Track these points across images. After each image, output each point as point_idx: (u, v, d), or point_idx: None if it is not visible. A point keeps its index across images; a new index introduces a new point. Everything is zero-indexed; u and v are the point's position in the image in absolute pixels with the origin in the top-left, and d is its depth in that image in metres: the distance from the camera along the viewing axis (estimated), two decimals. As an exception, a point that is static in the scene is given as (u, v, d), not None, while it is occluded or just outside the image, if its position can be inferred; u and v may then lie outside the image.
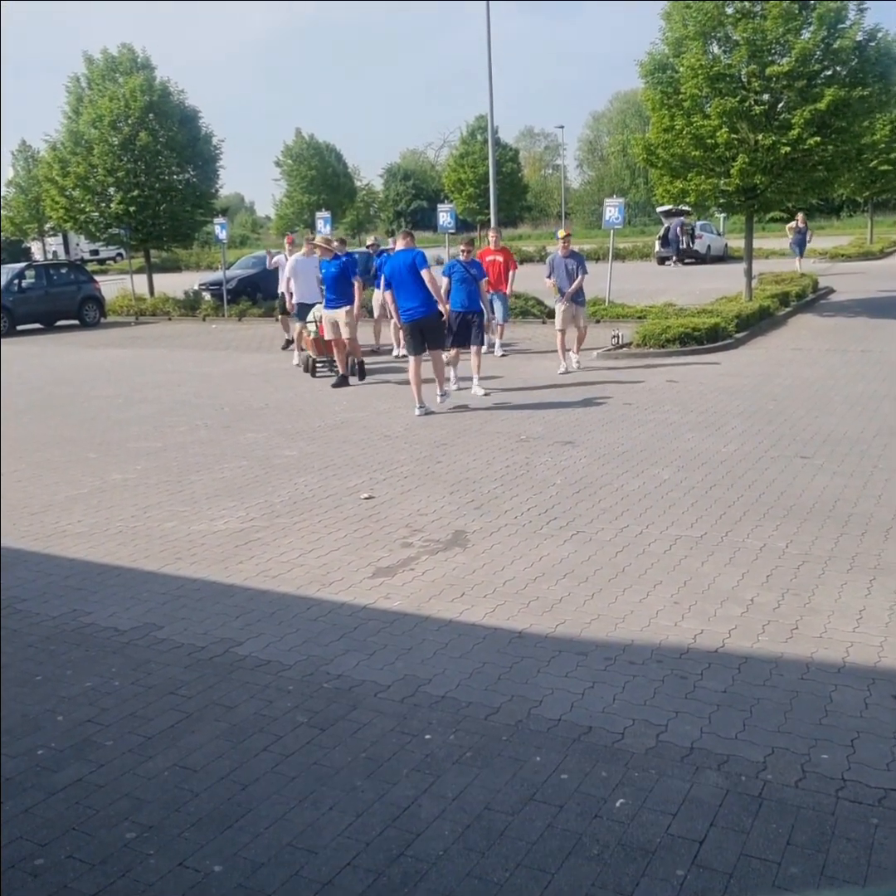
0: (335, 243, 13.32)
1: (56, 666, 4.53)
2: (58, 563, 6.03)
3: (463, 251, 11.57)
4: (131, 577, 5.73)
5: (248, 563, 5.85)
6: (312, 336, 13.40)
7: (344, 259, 12.49)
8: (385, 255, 14.65)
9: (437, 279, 10.43)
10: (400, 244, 10.65)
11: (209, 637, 4.77)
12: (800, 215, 27.74)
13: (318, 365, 13.76)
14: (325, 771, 3.50)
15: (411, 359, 10.49)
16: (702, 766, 3.41)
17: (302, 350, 14.25)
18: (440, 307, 10.31)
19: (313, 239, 14.59)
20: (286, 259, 15.41)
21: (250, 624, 4.92)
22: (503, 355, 14.52)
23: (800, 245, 27.66)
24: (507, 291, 14.61)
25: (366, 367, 13.34)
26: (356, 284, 12.45)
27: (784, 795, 3.22)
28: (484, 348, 11.96)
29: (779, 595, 4.96)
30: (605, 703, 3.90)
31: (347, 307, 12.29)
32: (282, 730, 3.81)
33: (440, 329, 10.56)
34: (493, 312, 13.75)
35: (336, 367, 12.88)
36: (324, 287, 12.84)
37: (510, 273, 14.48)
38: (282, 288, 15.23)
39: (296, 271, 14.03)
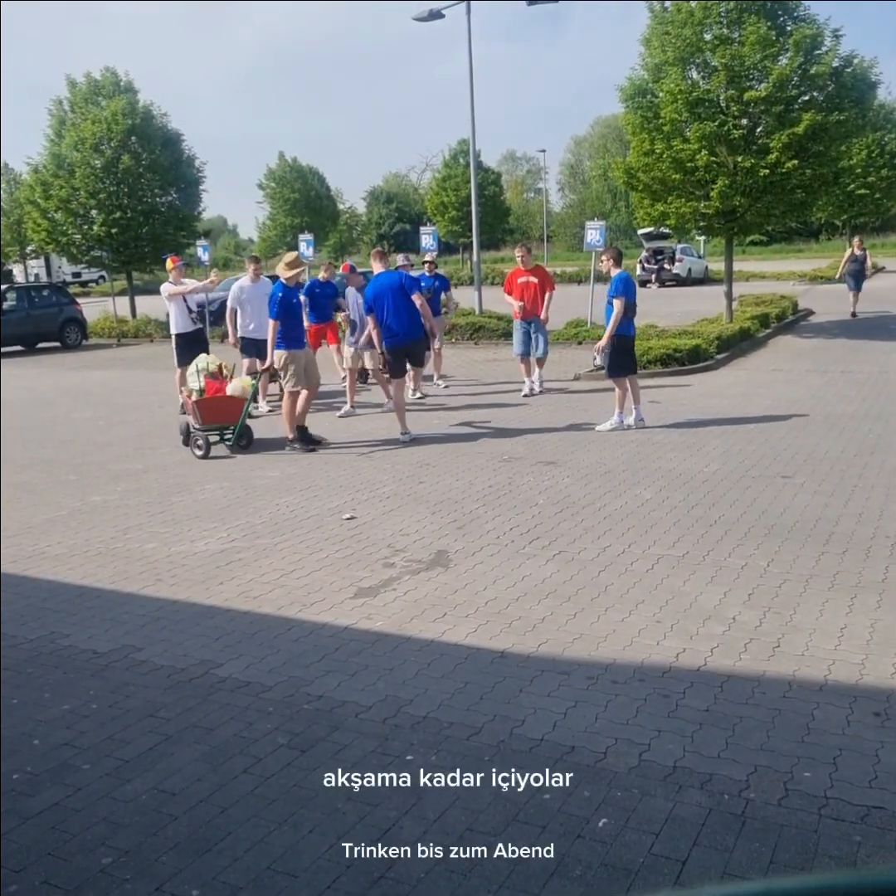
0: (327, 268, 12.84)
1: (33, 689, 4.47)
2: (35, 585, 5.97)
3: (427, 266, 11.99)
4: (110, 598, 5.67)
5: (229, 584, 5.81)
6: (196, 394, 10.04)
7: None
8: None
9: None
10: (378, 267, 10.19)
11: (189, 659, 4.72)
12: (856, 240, 22.41)
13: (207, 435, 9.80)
14: (306, 793, 3.46)
15: (396, 382, 10.39)
16: (684, 785, 3.40)
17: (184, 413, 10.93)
18: (428, 327, 10.32)
19: (328, 264, 13.20)
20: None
21: (230, 645, 4.87)
22: (541, 392, 12.66)
23: (857, 277, 21.46)
24: (544, 317, 12.41)
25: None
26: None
27: (767, 814, 3.21)
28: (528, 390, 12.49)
29: (761, 613, 4.96)
30: (588, 723, 3.88)
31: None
32: (262, 752, 3.77)
33: (422, 350, 10.59)
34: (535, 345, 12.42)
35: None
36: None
37: (547, 295, 12.37)
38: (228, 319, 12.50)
39: (243, 299, 12.24)
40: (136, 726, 4.04)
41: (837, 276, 21.85)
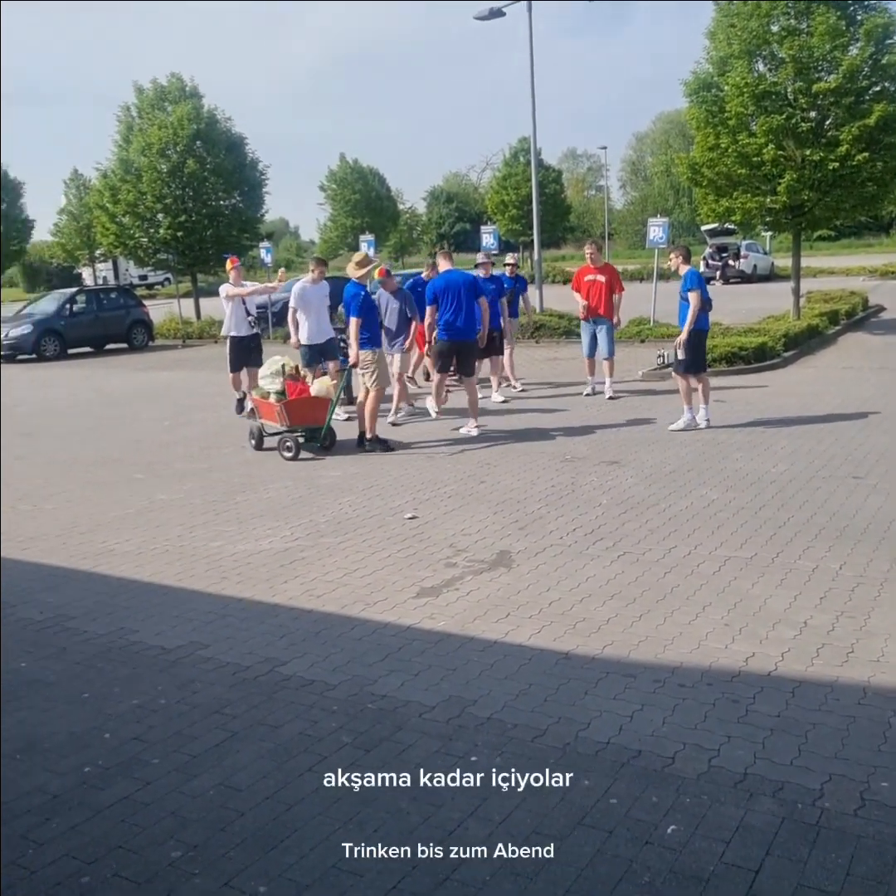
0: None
1: (103, 684, 4.55)
2: (106, 581, 6.09)
3: (482, 267, 12.00)
4: (177, 596, 5.76)
5: (293, 583, 5.85)
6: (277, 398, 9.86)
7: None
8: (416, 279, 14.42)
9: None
10: (445, 264, 10.47)
11: (254, 656, 4.76)
12: None
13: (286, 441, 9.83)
14: (371, 793, 3.46)
15: (438, 376, 10.74)
16: (756, 793, 3.32)
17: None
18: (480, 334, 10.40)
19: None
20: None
21: (295, 643, 4.91)
22: (611, 397, 12.06)
23: None
24: (615, 319, 12.13)
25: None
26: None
27: (843, 824, 3.12)
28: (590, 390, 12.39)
29: (833, 617, 4.83)
30: (655, 727, 3.82)
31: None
32: (326, 750, 3.79)
33: (474, 354, 10.59)
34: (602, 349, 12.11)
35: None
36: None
37: (615, 297, 11.99)
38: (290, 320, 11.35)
39: (306, 300, 11.13)
40: (202, 722, 4.09)
41: None
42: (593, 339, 12.14)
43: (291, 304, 11.19)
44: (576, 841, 3.11)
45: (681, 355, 9.94)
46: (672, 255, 10.39)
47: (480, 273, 11.74)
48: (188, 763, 3.75)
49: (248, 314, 12.01)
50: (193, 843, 3.21)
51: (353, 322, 9.64)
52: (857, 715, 3.83)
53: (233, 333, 12.05)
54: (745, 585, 5.36)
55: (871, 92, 16.28)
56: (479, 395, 10.74)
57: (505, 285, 13.02)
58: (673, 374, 10.52)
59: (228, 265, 12.35)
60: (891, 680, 4.11)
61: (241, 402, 12.31)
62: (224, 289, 12.08)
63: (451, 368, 10.74)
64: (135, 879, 3.04)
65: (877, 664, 4.27)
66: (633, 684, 4.21)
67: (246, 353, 12.05)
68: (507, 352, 12.90)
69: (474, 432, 10.26)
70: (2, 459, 9.97)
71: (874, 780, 3.35)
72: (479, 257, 12.98)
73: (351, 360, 9.96)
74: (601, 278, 11.95)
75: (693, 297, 9.78)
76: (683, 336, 9.89)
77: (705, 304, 9.96)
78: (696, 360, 10.02)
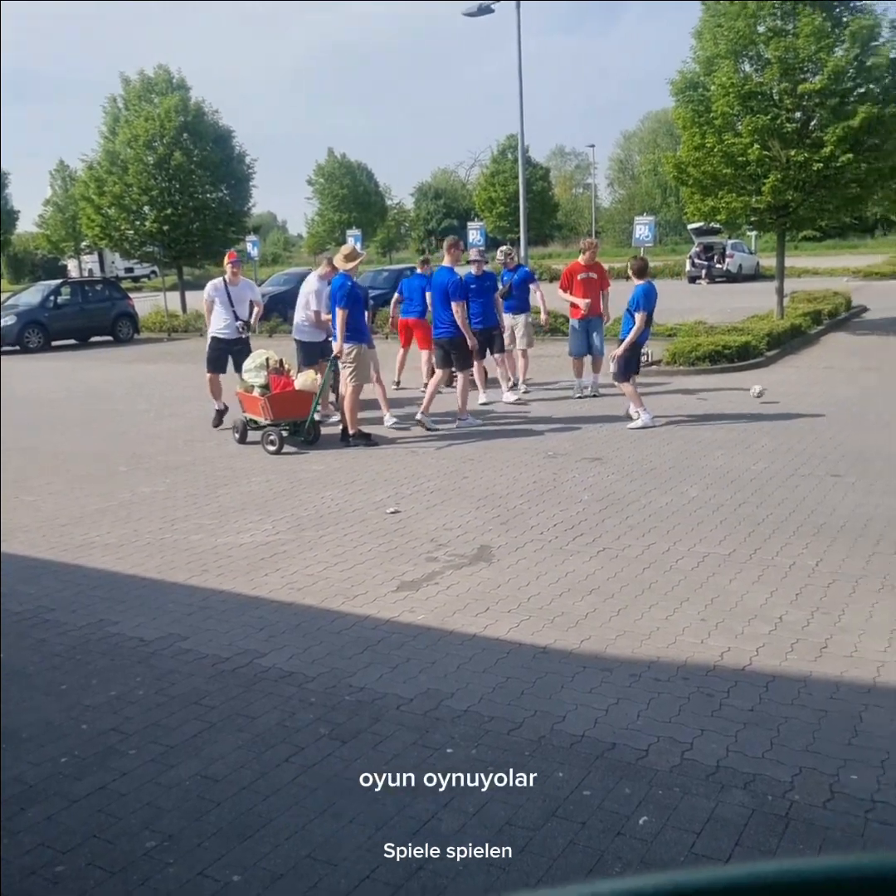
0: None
1: (81, 675, 4.55)
2: (85, 573, 6.08)
3: (474, 265, 11.60)
4: (157, 588, 5.76)
5: (274, 576, 5.86)
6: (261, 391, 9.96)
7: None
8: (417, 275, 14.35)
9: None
10: (447, 259, 10.46)
11: (233, 648, 4.78)
12: None
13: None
14: (346, 784, 3.48)
15: (440, 372, 10.62)
16: (727, 785, 3.36)
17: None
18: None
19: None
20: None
21: (274, 636, 4.92)
22: (595, 395, 12.03)
23: None
24: (607, 317, 12.09)
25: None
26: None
27: (811, 816, 3.16)
28: (580, 392, 12.08)
29: (808, 613, 4.89)
30: (630, 720, 3.86)
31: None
32: (304, 741, 3.81)
33: (460, 352, 10.44)
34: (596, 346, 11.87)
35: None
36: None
37: (605, 293, 11.95)
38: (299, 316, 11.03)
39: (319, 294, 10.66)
40: (180, 713, 4.10)
41: None
42: (587, 336, 11.90)
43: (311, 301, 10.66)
44: (549, 832, 3.14)
45: (613, 368, 10.06)
46: (628, 264, 10.46)
47: (473, 270, 11.60)
48: (165, 753, 3.76)
49: (238, 318, 11.00)
50: (169, 832, 3.23)
51: (340, 313, 9.63)
52: (829, 709, 3.87)
53: (217, 334, 11.08)
54: (723, 581, 5.41)
55: (855, 93, 16.37)
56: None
57: (503, 279, 12.44)
58: (616, 383, 10.61)
59: (227, 259, 11.35)
60: (863, 675, 4.16)
61: (221, 413, 11.17)
62: (210, 289, 11.09)
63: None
64: (109, 869, 3.05)
65: (850, 659, 4.32)
66: (609, 678, 4.25)
67: (229, 356, 11.05)
68: (517, 351, 12.50)
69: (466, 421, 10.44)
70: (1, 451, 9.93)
71: (843, 773, 3.40)
72: (472, 254, 12.38)
73: (335, 351, 9.94)
74: (594, 276, 11.85)
75: (639, 317, 9.87)
76: (621, 351, 10.00)
77: (648, 321, 10.10)
78: (632, 367, 10.23)
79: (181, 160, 25.72)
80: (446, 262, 10.48)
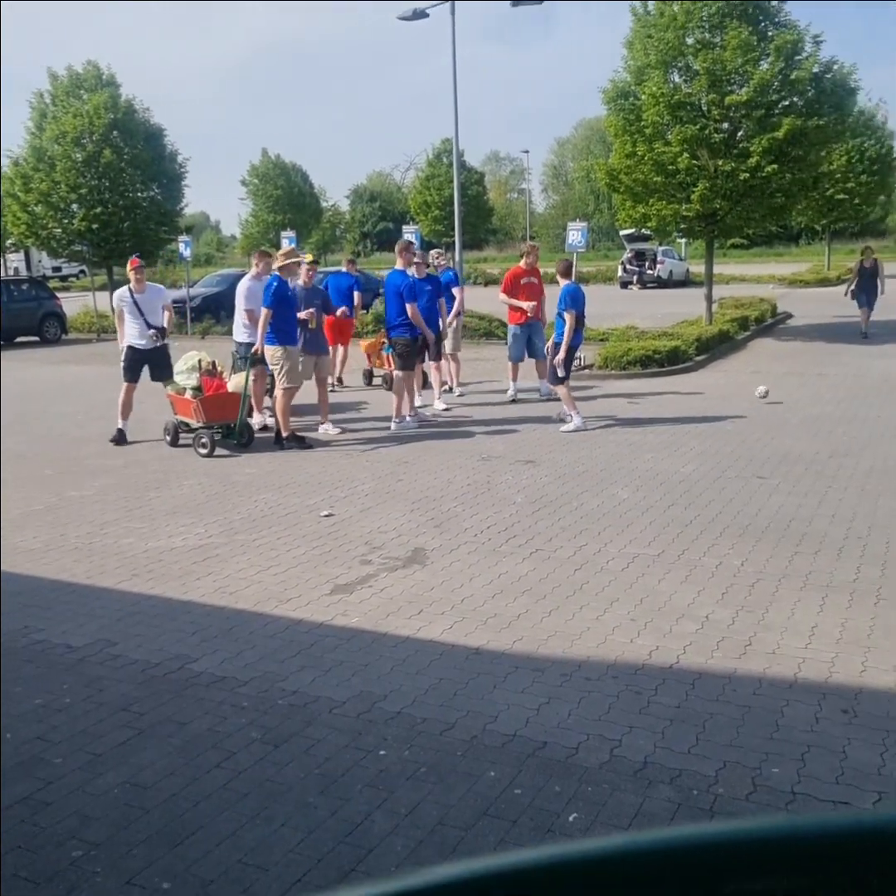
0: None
1: (5, 683, 4.44)
2: (9, 579, 5.92)
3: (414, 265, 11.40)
4: (86, 593, 5.65)
5: (206, 580, 5.80)
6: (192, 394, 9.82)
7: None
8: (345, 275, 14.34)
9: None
10: (400, 262, 10.55)
11: (164, 653, 4.72)
12: (866, 250, 18.39)
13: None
14: (278, 787, 3.47)
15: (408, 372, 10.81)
16: (655, 781, 3.43)
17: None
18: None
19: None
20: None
21: (206, 640, 4.87)
22: (548, 399, 11.83)
23: (869, 293, 17.78)
24: (544, 320, 12.05)
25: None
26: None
27: (735, 809, 3.25)
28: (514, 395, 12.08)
29: (733, 612, 5.01)
30: (561, 719, 3.91)
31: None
32: (235, 746, 3.78)
33: (414, 351, 10.59)
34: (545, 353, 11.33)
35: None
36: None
37: (543, 297, 12.00)
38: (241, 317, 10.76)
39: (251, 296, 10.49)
40: (109, 720, 4.04)
41: (846, 294, 18.25)
42: (527, 343, 11.93)
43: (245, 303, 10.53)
44: (480, 831, 3.17)
45: (560, 373, 10.18)
46: (556, 268, 10.60)
47: (413, 272, 11.42)
48: (92, 762, 3.70)
49: (150, 326, 10.28)
50: (96, 841, 3.18)
51: (263, 313, 9.61)
52: (753, 705, 3.98)
53: (133, 343, 10.39)
54: (652, 582, 5.52)
55: (780, 106, 16.85)
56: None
57: (444, 282, 12.25)
58: (551, 386, 10.75)
59: (129, 267, 10.54)
60: (784, 671, 4.29)
61: (122, 433, 10.42)
62: (117, 299, 10.49)
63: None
64: (34, 879, 2.99)
65: (772, 656, 4.45)
66: (541, 678, 4.30)
67: (144, 366, 10.49)
68: (447, 355, 12.46)
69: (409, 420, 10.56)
70: None
71: (766, 767, 3.50)
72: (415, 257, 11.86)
73: (254, 348, 9.82)
74: (535, 280, 11.97)
75: (569, 317, 10.01)
76: (561, 355, 10.11)
77: (580, 321, 10.23)
78: (567, 371, 10.37)
79: (111, 158, 25.23)
80: (399, 265, 10.54)
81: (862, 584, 5.38)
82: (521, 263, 12.06)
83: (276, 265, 9.81)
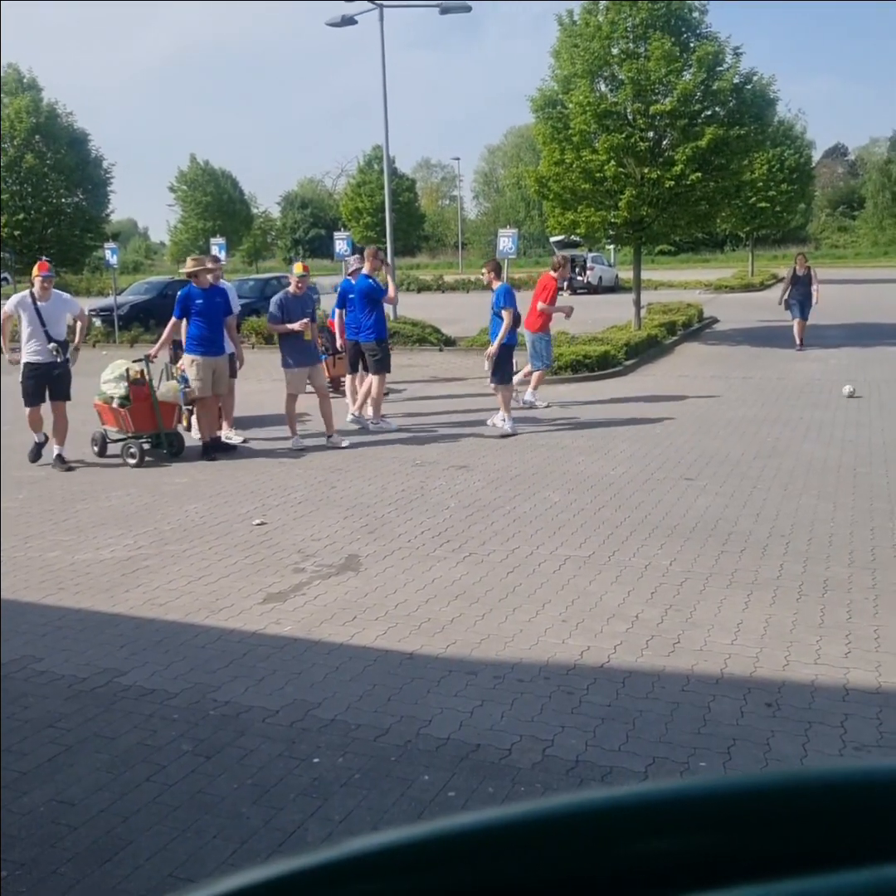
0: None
1: (-75, 703, 4.31)
2: (-70, 596, 5.75)
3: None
4: (9, 608, 5.50)
5: (135, 592, 5.71)
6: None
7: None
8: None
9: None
10: (367, 267, 10.79)
11: (92, 668, 4.63)
12: (799, 258, 17.71)
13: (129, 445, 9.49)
14: (210, 799, 3.43)
15: (350, 376, 11.29)
16: (586, 778, 3.48)
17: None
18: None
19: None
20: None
21: (135, 653, 4.79)
22: (547, 406, 12.08)
23: (803, 303, 17.16)
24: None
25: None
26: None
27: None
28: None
29: (662, 611, 5.11)
30: (494, 721, 3.95)
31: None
32: (165, 759, 3.73)
33: (387, 353, 11.02)
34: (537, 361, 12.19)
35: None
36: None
37: None
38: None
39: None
40: (34, 737, 3.95)
41: (780, 303, 17.58)
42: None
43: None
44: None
45: (487, 368, 10.32)
46: (484, 270, 10.73)
47: (352, 280, 11.37)
48: (17, 780, 3.61)
49: (51, 340, 9.20)
50: (21, 861, 3.10)
51: (172, 322, 9.82)
52: (681, 701, 4.07)
53: (31, 359, 9.25)
54: (583, 583, 5.60)
55: (703, 115, 17.25)
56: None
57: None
58: (491, 385, 10.83)
59: (36, 270, 9.39)
60: (711, 667, 4.39)
61: (40, 446, 9.60)
62: (12, 304, 9.34)
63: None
64: (-44, 902, 2.91)
65: (700, 653, 4.55)
66: (474, 681, 4.33)
67: (47, 385, 9.31)
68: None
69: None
70: None
71: (693, 761, 3.58)
72: (353, 262, 11.76)
73: (148, 353, 9.91)
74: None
75: (507, 315, 10.13)
76: (493, 350, 10.24)
77: (516, 321, 10.37)
78: (509, 371, 10.49)
79: (33, 163, 24.72)
80: (366, 270, 10.82)
81: (785, 580, 5.53)
82: (554, 274, 12.36)
83: (184, 270, 9.86)
